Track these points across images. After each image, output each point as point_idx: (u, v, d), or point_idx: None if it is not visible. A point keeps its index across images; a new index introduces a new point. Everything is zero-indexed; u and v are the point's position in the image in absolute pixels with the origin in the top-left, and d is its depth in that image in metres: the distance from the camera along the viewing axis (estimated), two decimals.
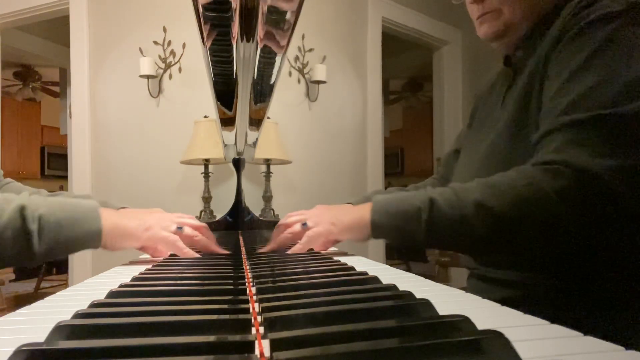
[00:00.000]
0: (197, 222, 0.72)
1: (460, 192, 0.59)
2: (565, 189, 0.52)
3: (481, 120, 0.81)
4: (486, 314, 0.31)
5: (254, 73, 0.65)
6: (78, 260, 2.50)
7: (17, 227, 0.54)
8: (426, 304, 0.29)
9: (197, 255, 0.65)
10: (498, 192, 0.56)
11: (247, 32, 0.53)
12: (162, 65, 2.38)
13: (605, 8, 0.57)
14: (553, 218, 0.54)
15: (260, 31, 0.54)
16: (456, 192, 0.59)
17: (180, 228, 0.67)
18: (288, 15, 0.53)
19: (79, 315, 0.28)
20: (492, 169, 0.65)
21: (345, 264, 0.53)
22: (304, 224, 0.69)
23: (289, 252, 0.68)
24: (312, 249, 0.69)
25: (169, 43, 2.37)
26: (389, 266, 0.58)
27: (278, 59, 0.64)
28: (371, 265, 0.59)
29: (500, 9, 0.71)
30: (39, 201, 0.57)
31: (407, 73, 5.56)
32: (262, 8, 0.49)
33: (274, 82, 0.72)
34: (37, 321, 0.32)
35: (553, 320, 0.28)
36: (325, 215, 0.70)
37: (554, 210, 0.53)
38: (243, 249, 0.77)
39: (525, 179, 0.55)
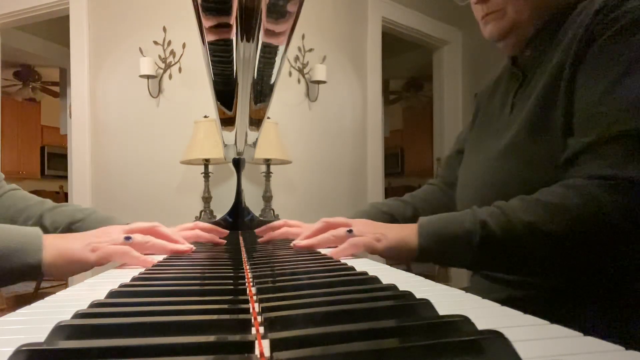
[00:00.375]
0: (147, 225, 0.68)
1: (510, 212, 0.57)
2: (628, 206, 0.50)
3: (485, 121, 0.80)
4: (486, 314, 0.31)
5: (254, 73, 0.65)
6: None
7: None
8: (426, 304, 0.29)
9: (153, 262, 0.60)
10: (551, 212, 0.54)
11: (247, 32, 0.53)
12: (162, 65, 2.38)
13: (634, 11, 0.55)
14: (616, 236, 0.51)
15: (260, 31, 0.54)
16: (505, 213, 0.57)
17: (128, 238, 0.63)
18: (288, 15, 0.53)
19: (79, 315, 0.28)
20: (510, 171, 0.64)
21: (345, 264, 0.53)
22: (350, 231, 0.67)
23: (330, 253, 0.65)
24: (312, 250, 0.69)
25: (169, 43, 2.37)
26: (389, 266, 0.58)
27: (278, 59, 0.64)
28: (371, 265, 0.59)
29: (505, 9, 0.69)
30: None
31: (407, 73, 5.57)
32: (262, 8, 0.49)
33: (274, 82, 0.72)
34: (37, 321, 0.32)
35: (555, 320, 0.28)
36: (371, 227, 0.67)
37: (616, 229, 0.51)
38: (243, 249, 0.77)
39: (580, 196, 0.53)
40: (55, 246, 0.58)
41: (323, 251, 0.67)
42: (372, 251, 0.64)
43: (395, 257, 0.65)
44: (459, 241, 0.58)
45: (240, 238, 1.04)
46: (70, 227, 0.85)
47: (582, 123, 0.57)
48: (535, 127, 0.63)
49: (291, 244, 0.72)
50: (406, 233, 0.63)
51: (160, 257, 0.65)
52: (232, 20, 0.51)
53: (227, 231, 0.92)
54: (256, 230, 0.96)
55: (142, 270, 0.53)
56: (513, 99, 0.72)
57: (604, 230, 0.52)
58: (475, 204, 0.62)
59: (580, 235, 0.53)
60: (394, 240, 0.64)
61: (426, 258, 0.63)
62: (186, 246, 0.68)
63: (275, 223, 0.90)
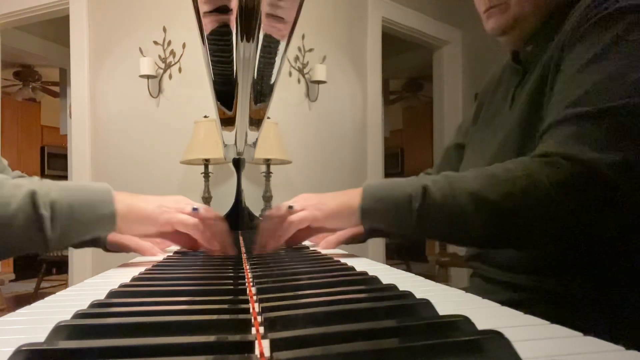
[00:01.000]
0: (211, 210, 0.70)
1: (455, 180, 0.58)
2: (562, 182, 0.51)
3: (488, 117, 0.80)
4: (486, 314, 0.31)
5: (254, 73, 0.65)
6: (78, 260, 2.50)
7: (28, 214, 0.52)
8: (426, 304, 0.29)
9: (215, 249, 0.63)
10: (494, 182, 0.55)
11: (247, 32, 0.53)
12: (162, 65, 2.38)
13: (622, 2, 0.56)
14: (549, 209, 0.52)
15: (260, 31, 0.54)
16: (450, 181, 0.58)
17: (195, 209, 0.65)
18: (288, 15, 0.53)
19: (79, 315, 0.28)
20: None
21: (345, 264, 0.53)
22: (290, 207, 0.67)
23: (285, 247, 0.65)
24: (311, 249, 0.69)
25: (169, 43, 2.37)
26: (389, 266, 0.58)
27: (278, 59, 0.64)
28: (371, 265, 0.59)
29: (508, 2, 0.69)
30: (50, 185, 0.55)
31: (407, 73, 5.57)
32: (262, 8, 0.49)
33: (274, 82, 0.72)
34: (37, 321, 0.32)
35: (556, 323, 0.27)
36: (311, 199, 0.67)
37: (549, 202, 0.52)
38: (243, 249, 0.77)
39: (522, 170, 0.54)
40: (125, 201, 0.60)
41: (330, 253, 0.67)
42: (315, 222, 0.65)
43: (341, 224, 0.65)
44: (400, 205, 0.58)
45: (240, 238, 1.04)
46: None
47: (549, 108, 0.59)
48: (527, 122, 0.64)
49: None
50: (348, 196, 0.64)
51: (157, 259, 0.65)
52: (232, 20, 0.51)
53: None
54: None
55: (142, 270, 0.53)
56: (513, 94, 0.72)
57: (539, 203, 0.52)
58: None
59: (515, 205, 0.53)
60: (335, 206, 0.64)
61: (368, 221, 0.62)
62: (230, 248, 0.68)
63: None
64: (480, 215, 0.55)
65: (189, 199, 0.69)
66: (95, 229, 0.58)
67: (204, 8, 0.48)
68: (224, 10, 0.49)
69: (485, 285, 0.71)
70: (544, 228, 0.55)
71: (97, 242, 0.63)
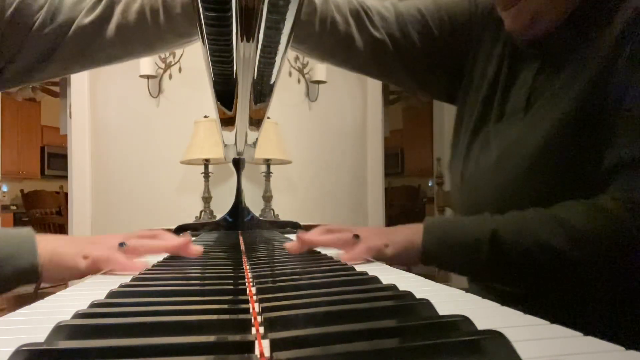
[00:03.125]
0: (149, 232, 0.64)
1: (524, 226, 0.53)
2: None
3: (487, 99, 0.68)
4: (486, 314, 0.31)
5: (254, 73, 0.65)
6: None
7: None
8: (426, 304, 0.29)
9: (145, 265, 0.57)
10: (572, 236, 0.50)
11: (247, 32, 0.53)
12: (162, 65, 2.38)
13: None
14: (629, 262, 0.49)
15: (260, 31, 0.54)
16: (519, 226, 0.53)
17: (122, 244, 0.59)
18: (288, 15, 0.53)
19: (79, 315, 0.28)
20: (549, 172, 0.57)
21: (345, 264, 0.53)
22: (356, 236, 0.62)
23: (344, 258, 0.60)
24: (312, 250, 0.69)
25: None
26: (388, 266, 0.58)
27: (278, 59, 0.64)
28: (371, 265, 0.59)
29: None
30: None
31: None
32: (262, 8, 0.49)
33: (274, 82, 0.72)
34: (37, 321, 0.32)
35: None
36: (376, 232, 0.63)
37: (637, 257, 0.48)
38: (243, 249, 0.77)
39: (609, 222, 0.48)
40: (47, 248, 0.55)
41: (331, 253, 0.67)
42: (380, 257, 0.61)
43: (403, 261, 0.61)
44: (466, 250, 0.55)
45: (240, 238, 1.04)
46: None
47: (625, 133, 0.50)
48: (584, 122, 0.54)
49: (287, 244, 0.68)
50: (412, 234, 0.60)
51: (154, 259, 0.65)
52: (232, 21, 0.51)
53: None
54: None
55: (142, 270, 0.53)
56: (531, 85, 0.62)
57: (631, 260, 0.49)
58: (490, 208, 0.59)
59: (601, 264, 0.50)
60: (401, 243, 0.60)
61: (430, 262, 0.60)
62: (181, 240, 0.62)
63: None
64: (553, 267, 0.52)
65: (121, 234, 0.62)
66: (15, 283, 0.53)
67: (204, 8, 0.48)
68: (224, 10, 0.49)
69: (482, 294, 0.70)
70: (621, 277, 0.52)
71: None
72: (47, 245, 0.55)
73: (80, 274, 0.57)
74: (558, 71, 0.59)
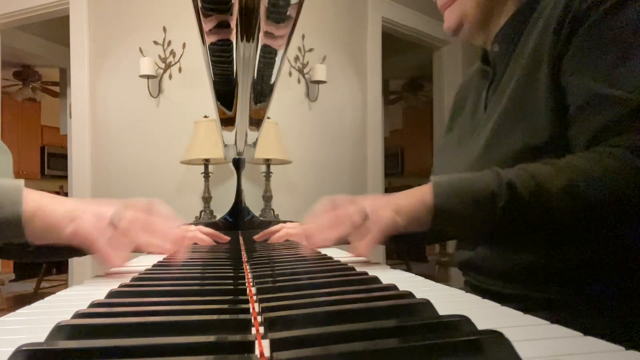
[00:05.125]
0: (144, 204, 0.59)
1: (539, 175, 0.52)
2: None
3: (462, 123, 0.79)
4: (486, 314, 0.31)
5: (254, 73, 0.65)
6: (78, 260, 2.49)
7: None
8: (426, 304, 0.29)
9: (121, 264, 0.53)
10: (592, 179, 0.50)
11: (247, 32, 0.53)
12: (162, 65, 2.38)
13: None
14: None
15: (260, 31, 0.54)
16: (534, 176, 0.52)
17: (112, 224, 0.53)
18: (288, 15, 0.53)
19: (79, 315, 0.28)
20: (491, 167, 0.62)
21: (345, 264, 0.53)
22: (365, 217, 0.59)
23: (358, 250, 0.59)
24: (312, 250, 0.69)
25: (169, 43, 2.37)
26: (388, 266, 0.58)
27: (278, 59, 0.64)
28: (371, 265, 0.59)
29: (454, 1, 0.72)
30: None
31: (407, 73, 5.57)
32: (262, 8, 0.49)
33: (274, 82, 0.72)
34: (37, 321, 0.32)
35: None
36: (382, 202, 0.59)
37: None
38: (243, 249, 0.77)
39: (619, 161, 0.50)
40: (36, 202, 0.51)
41: (331, 254, 0.67)
42: (394, 229, 0.57)
43: (415, 227, 0.57)
44: (481, 203, 0.53)
45: (240, 238, 1.04)
46: None
47: (592, 106, 0.54)
48: (514, 120, 0.61)
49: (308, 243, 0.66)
50: (419, 194, 0.57)
51: (157, 259, 0.65)
52: (232, 21, 0.51)
53: (228, 238, 0.91)
54: (255, 237, 0.94)
55: (142, 270, 0.53)
56: (486, 97, 0.72)
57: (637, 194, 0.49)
58: None
59: (620, 201, 0.50)
60: (410, 207, 0.57)
61: (442, 221, 0.56)
62: (170, 247, 0.59)
63: (273, 228, 0.89)
64: (575, 212, 0.51)
65: (118, 204, 0.56)
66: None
67: (204, 8, 0.48)
68: (224, 10, 0.49)
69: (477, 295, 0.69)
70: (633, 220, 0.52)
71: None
72: (35, 200, 0.51)
73: (63, 239, 0.52)
74: (500, 78, 0.68)
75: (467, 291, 0.73)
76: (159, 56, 2.38)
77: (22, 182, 0.51)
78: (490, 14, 0.70)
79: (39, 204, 0.51)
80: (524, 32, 0.65)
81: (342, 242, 0.63)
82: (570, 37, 0.57)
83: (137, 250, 0.60)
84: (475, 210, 0.54)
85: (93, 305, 0.31)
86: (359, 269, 0.48)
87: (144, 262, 0.65)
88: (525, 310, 0.31)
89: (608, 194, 0.50)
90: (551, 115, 0.58)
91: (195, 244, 0.88)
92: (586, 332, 0.25)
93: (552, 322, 0.27)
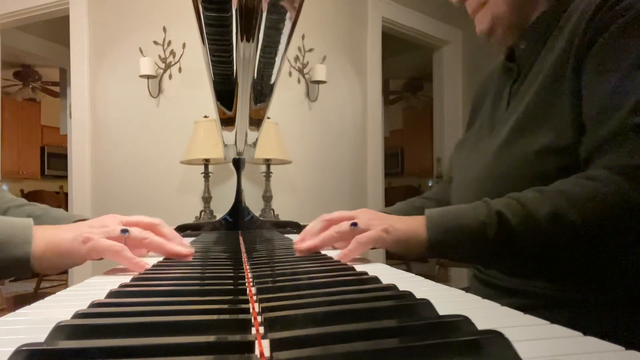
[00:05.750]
0: (147, 221, 0.62)
1: (527, 203, 0.53)
2: None
3: (482, 119, 0.79)
4: (486, 314, 0.31)
5: (254, 73, 0.65)
6: None
7: None
8: (426, 304, 0.29)
9: (147, 265, 0.55)
10: (578, 204, 0.51)
11: (247, 32, 0.53)
12: (162, 65, 2.38)
13: None
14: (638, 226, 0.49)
15: (260, 31, 0.54)
16: (522, 204, 0.53)
17: (124, 231, 0.57)
18: (288, 15, 0.53)
19: (79, 315, 0.28)
20: (509, 165, 0.63)
21: (345, 264, 0.53)
22: (354, 224, 0.61)
23: (338, 256, 0.59)
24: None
25: (169, 43, 2.37)
26: (389, 266, 0.57)
27: (278, 59, 0.64)
28: (371, 265, 0.59)
29: (486, 2, 0.70)
30: None
31: (407, 73, 5.57)
32: (262, 8, 0.49)
33: (274, 82, 0.72)
34: (37, 321, 0.32)
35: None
36: (376, 218, 0.61)
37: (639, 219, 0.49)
38: (243, 249, 0.77)
39: (605, 185, 0.51)
40: (44, 237, 0.54)
41: (331, 254, 0.67)
42: (381, 244, 0.59)
43: (404, 251, 0.59)
44: (473, 234, 0.54)
45: (240, 238, 1.04)
46: None
47: (596, 117, 0.55)
48: (537, 119, 0.61)
49: (294, 248, 0.67)
50: (415, 224, 0.59)
51: (156, 259, 0.65)
52: (232, 21, 0.51)
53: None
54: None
55: (143, 270, 0.53)
56: (509, 94, 0.72)
57: (630, 220, 0.50)
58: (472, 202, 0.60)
59: (606, 225, 0.51)
60: (402, 232, 0.58)
61: (436, 252, 0.58)
62: (187, 249, 0.62)
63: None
64: (564, 238, 0.52)
65: (120, 217, 0.61)
66: (6, 272, 0.52)
67: (204, 8, 0.48)
68: (224, 10, 0.49)
69: (484, 290, 0.70)
70: (633, 246, 0.52)
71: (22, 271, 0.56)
72: (44, 234, 0.54)
73: (81, 259, 0.55)
74: (526, 75, 0.68)
75: (474, 285, 0.74)
76: (159, 56, 2.38)
77: (31, 220, 0.55)
78: (522, 13, 0.70)
79: (47, 238, 0.54)
80: (554, 31, 0.65)
81: (328, 245, 0.64)
82: (591, 43, 0.58)
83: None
84: (468, 242, 0.55)
85: (93, 305, 0.31)
86: (359, 269, 0.48)
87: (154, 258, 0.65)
88: (531, 307, 0.31)
89: (594, 218, 0.51)
90: (575, 117, 0.58)
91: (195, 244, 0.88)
92: (587, 332, 0.25)
93: (554, 321, 0.27)
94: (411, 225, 0.59)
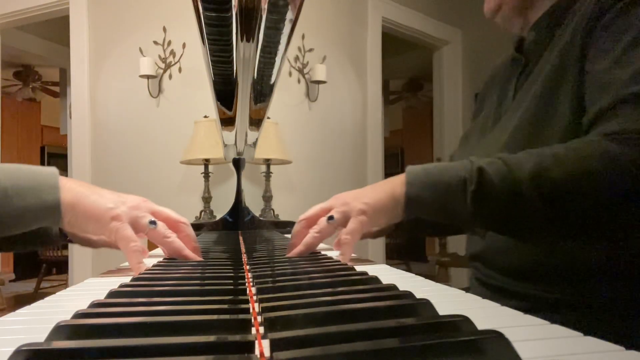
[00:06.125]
0: (176, 217, 0.61)
1: (511, 161, 0.52)
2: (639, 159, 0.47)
3: (488, 110, 0.79)
4: (486, 314, 0.31)
5: (254, 73, 0.65)
6: (78, 260, 2.50)
7: None
8: (426, 304, 0.29)
9: (146, 267, 0.53)
10: (562, 162, 0.50)
11: (247, 32, 0.53)
12: (162, 65, 2.38)
13: None
14: (627, 191, 0.48)
15: (260, 31, 0.54)
16: (507, 162, 0.52)
17: (153, 222, 0.56)
18: (288, 15, 0.53)
19: (79, 315, 0.28)
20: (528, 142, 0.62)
21: (345, 264, 0.53)
22: (330, 218, 0.59)
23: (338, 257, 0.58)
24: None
25: (169, 43, 2.37)
26: (389, 266, 0.57)
27: (278, 59, 0.64)
28: (371, 265, 0.59)
29: None
30: None
31: (407, 73, 5.57)
32: (262, 8, 0.49)
33: (274, 82, 0.72)
34: (37, 321, 0.32)
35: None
36: (350, 200, 0.59)
37: (630, 184, 0.48)
38: (243, 249, 0.77)
39: (595, 149, 0.50)
40: (74, 190, 0.51)
41: (331, 254, 0.67)
42: (366, 228, 0.58)
43: (387, 219, 0.58)
44: (452, 189, 0.53)
45: (240, 238, 1.04)
46: None
47: (595, 91, 0.56)
48: (543, 110, 0.62)
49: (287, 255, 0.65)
50: (392, 186, 0.57)
51: (156, 260, 0.65)
52: (232, 21, 0.51)
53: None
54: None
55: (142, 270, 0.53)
56: (516, 85, 0.72)
57: (619, 185, 0.49)
58: None
59: (590, 187, 0.49)
60: (379, 200, 0.57)
61: (414, 210, 0.56)
62: (197, 258, 0.60)
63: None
64: (544, 197, 0.50)
65: (151, 204, 0.60)
66: (37, 219, 0.50)
67: (204, 8, 0.48)
68: (224, 10, 0.49)
69: (485, 292, 0.70)
70: (613, 209, 0.50)
71: (48, 237, 0.54)
72: (74, 187, 0.52)
73: (104, 231, 0.53)
74: (533, 67, 0.69)
75: (474, 287, 0.73)
76: (159, 56, 2.38)
77: (55, 170, 0.52)
78: (529, 0, 0.71)
79: (76, 191, 0.52)
80: (563, 24, 0.65)
81: (314, 248, 0.63)
82: (593, 29, 0.59)
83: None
84: (446, 198, 0.54)
85: (93, 305, 0.31)
86: (359, 269, 0.48)
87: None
88: (531, 309, 0.30)
89: (577, 176, 0.50)
90: (578, 106, 0.58)
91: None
92: (588, 332, 0.25)
93: (554, 322, 0.27)
94: (387, 188, 0.58)
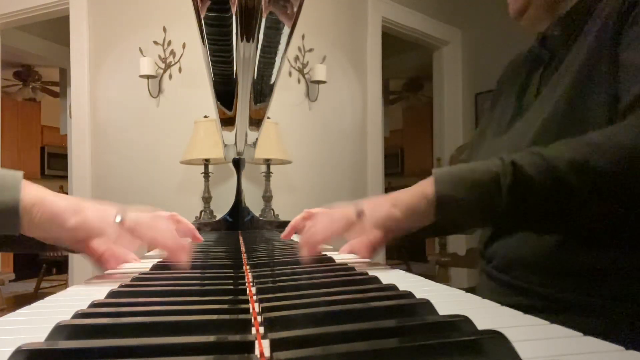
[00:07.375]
0: (173, 244, 0.55)
1: (547, 153, 0.50)
2: None
3: (505, 106, 0.78)
4: (486, 314, 0.31)
5: (254, 73, 0.65)
6: (78, 260, 2.50)
7: None
8: (426, 304, 0.29)
9: (121, 267, 0.51)
10: (600, 148, 0.48)
11: (247, 32, 0.53)
12: (162, 65, 2.38)
13: None
14: None
15: (260, 31, 0.54)
16: (541, 154, 0.50)
17: (121, 219, 0.52)
18: (288, 15, 0.53)
19: (79, 315, 0.28)
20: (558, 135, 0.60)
21: (345, 264, 0.53)
22: (360, 213, 0.57)
23: (359, 253, 0.57)
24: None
25: (169, 43, 2.37)
26: (389, 266, 0.57)
27: (278, 59, 0.64)
28: (371, 265, 0.59)
29: None
30: None
31: (407, 73, 5.57)
32: (262, 8, 0.49)
33: (274, 82, 0.72)
34: (37, 321, 0.32)
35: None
36: (379, 199, 0.58)
37: None
38: (243, 249, 0.77)
39: (633, 132, 0.48)
40: (35, 192, 0.49)
41: (330, 254, 0.67)
42: (394, 224, 0.56)
43: (417, 221, 0.56)
44: (485, 186, 0.51)
45: (240, 238, 1.04)
46: None
47: (630, 78, 0.54)
48: (577, 102, 0.59)
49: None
50: (421, 188, 0.55)
51: (155, 260, 0.65)
52: (232, 21, 0.51)
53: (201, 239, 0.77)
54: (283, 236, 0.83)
55: (142, 270, 0.53)
56: (539, 81, 0.71)
57: None
58: None
59: (634, 172, 0.48)
60: (410, 200, 0.55)
61: (446, 212, 0.54)
62: (183, 253, 0.55)
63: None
64: (586, 186, 0.48)
65: (118, 205, 0.56)
66: None
67: (204, 8, 0.48)
68: (224, 10, 0.49)
69: (492, 285, 0.69)
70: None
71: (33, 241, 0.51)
72: (35, 192, 0.50)
73: (65, 230, 0.50)
74: (560, 63, 0.67)
75: (481, 280, 0.73)
76: (159, 56, 2.37)
77: (21, 172, 0.50)
78: None
79: (40, 195, 0.49)
80: (590, 19, 0.64)
81: (338, 239, 0.62)
82: (625, 20, 0.57)
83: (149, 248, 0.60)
84: (481, 195, 0.52)
85: (93, 305, 0.31)
86: (359, 269, 0.48)
87: (143, 263, 0.65)
88: (541, 307, 0.30)
89: (622, 164, 0.48)
90: (611, 102, 0.56)
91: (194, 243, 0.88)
92: (588, 332, 0.25)
93: (554, 321, 0.27)
94: (415, 191, 0.56)
